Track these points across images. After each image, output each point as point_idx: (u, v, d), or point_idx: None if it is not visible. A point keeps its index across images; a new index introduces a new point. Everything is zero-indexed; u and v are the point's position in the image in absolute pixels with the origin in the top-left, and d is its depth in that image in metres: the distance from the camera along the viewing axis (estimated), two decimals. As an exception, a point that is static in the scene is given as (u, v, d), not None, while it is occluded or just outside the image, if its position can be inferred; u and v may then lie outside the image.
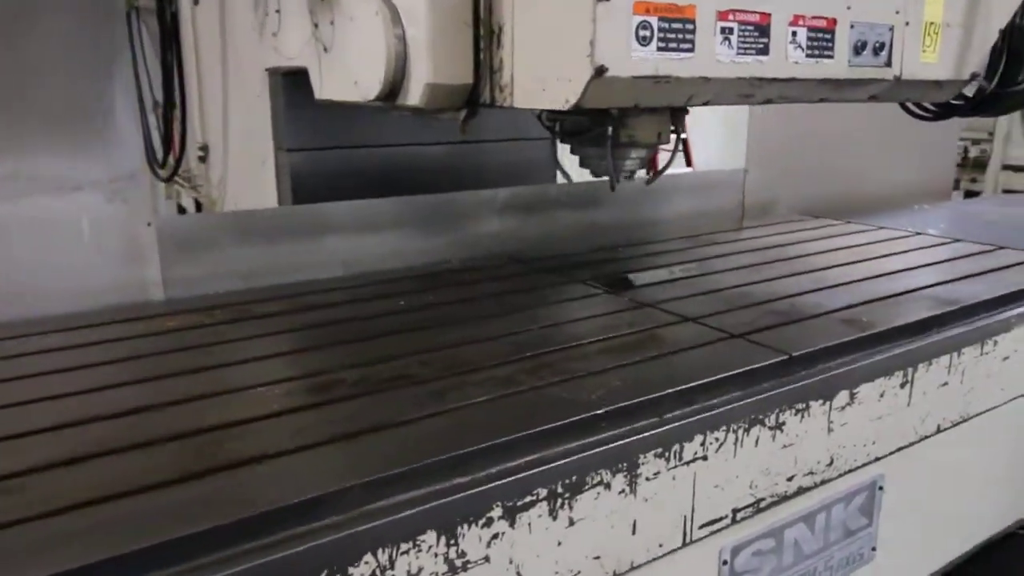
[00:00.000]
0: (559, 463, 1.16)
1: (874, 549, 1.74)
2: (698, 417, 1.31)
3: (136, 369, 1.49)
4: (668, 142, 1.80)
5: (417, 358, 1.54)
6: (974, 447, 1.90)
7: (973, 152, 7.60)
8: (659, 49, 1.29)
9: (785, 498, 1.49)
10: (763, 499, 1.45)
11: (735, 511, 1.41)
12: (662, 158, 1.93)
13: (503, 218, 2.51)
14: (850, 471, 1.60)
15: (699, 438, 1.32)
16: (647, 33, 1.27)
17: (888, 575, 1.79)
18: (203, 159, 3.35)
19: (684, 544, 1.35)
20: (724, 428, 1.35)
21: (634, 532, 1.27)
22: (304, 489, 1.04)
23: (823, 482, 1.55)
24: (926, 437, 1.74)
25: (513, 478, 1.12)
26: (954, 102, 2.17)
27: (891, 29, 1.59)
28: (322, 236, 2.17)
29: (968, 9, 1.73)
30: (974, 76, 1.82)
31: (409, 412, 1.29)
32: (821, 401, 1.49)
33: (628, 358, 1.53)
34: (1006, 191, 7.09)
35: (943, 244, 2.58)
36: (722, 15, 1.35)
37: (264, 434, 1.21)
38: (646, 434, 1.25)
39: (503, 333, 1.69)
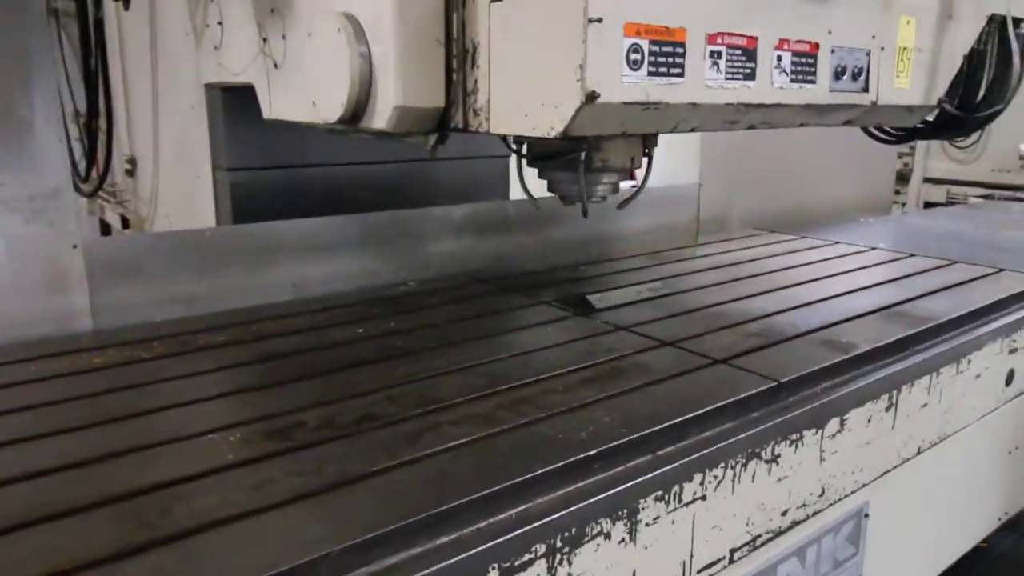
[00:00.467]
0: (558, 515, 1.05)
1: None
2: (697, 455, 1.23)
3: (63, 415, 1.31)
4: (640, 166, 1.74)
5: (384, 394, 1.41)
6: (948, 467, 1.88)
7: (897, 166, 7.90)
8: (650, 74, 1.22)
9: (779, 533, 1.42)
10: (759, 536, 1.37)
11: (732, 551, 1.33)
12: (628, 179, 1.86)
13: (459, 236, 2.39)
14: (839, 500, 1.54)
15: (698, 477, 1.23)
16: (638, 57, 1.20)
17: (871, 602, 1.75)
18: (131, 173, 3.14)
19: (683, 592, 1.26)
20: (722, 465, 1.26)
21: (633, 584, 1.17)
22: (271, 562, 0.90)
23: (815, 513, 1.49)
24: (907, 460, 1.70)
25: (509, 536, 1.00)
26: (916, 126, 2.19)
27: (868, 54, 1.58)
28: (269, 257, 2.01)
29: (936, 35, 1.73)
30: (940, 101, 1.82)
31: (382, 459, 1.16)
32: (814, 430, 1.43)
33: (611, 389, 1.43)
34: (927, 203, 7.37)
35: (899, 259, 2.59)
36: (711, 38, 1.29)
37: (218, 492, 1.06)
38: (646, 476, 1.15)
39: (473, 362, 1.58)
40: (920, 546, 1.89)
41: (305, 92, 1.52)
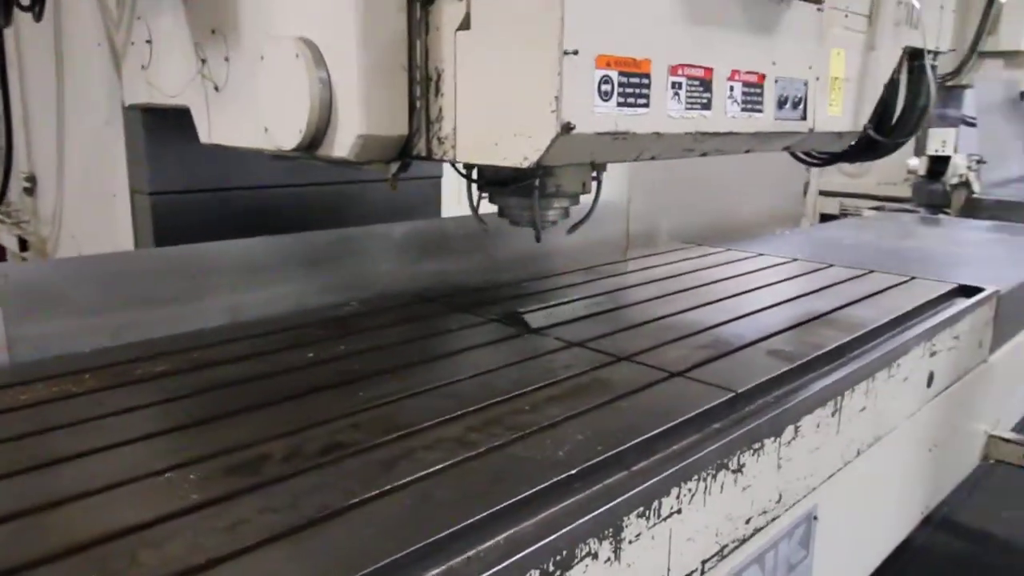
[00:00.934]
0: (549, 538, 1.03)
1: None
2: (673, 468, 1.24)
3: (-6, 459, 1.20)
4: (590, 191, 1.76)
5: (348, 420, 1.36)
6: (882, 467, 1.98)
7: (799, 180, 8.36)
8: (619, 104, 1.24)
9: (743, 541, 1.45)
10: (726, 545, 1.40)
11: (704, 562, 1.35)
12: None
13: (399, 254, 2.35)
14: (793, 505, 1.59)
15: (675, 491, 1.24)
16: (608, 88, 1.22)
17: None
18: (30, 192, 2.93)
19: (660, 606, 1.26)
20: (696, 477, 1.28)
21: (619, 602, 1.17)
22: (264, 607, 0.84)
23: (773, 519, 1.53)
24: (848, 462, 1.78)
25: (505, 563, 0.98)
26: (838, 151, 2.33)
27: (806, 84, 1.66)
28: (203, 280, 1.90)
29: (861, 65, 1.84)
30: (865, 128, 1.93)
31: (359, 490, 1.11)
32: (772, 438, 1.47)
33: (578, 406, 1.43)
34: (823, 215, 7.84)
35: (820, 270, 2.72)
36: (672, 69, 1.33)
37: (188, 535, 0.99)
38: (629, 493, 1.15)
39: (434, 384, 1.54)
40: (860, 544, 1.98)
41: (253, 117, 1.46)
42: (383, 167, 1.41)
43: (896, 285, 2.47)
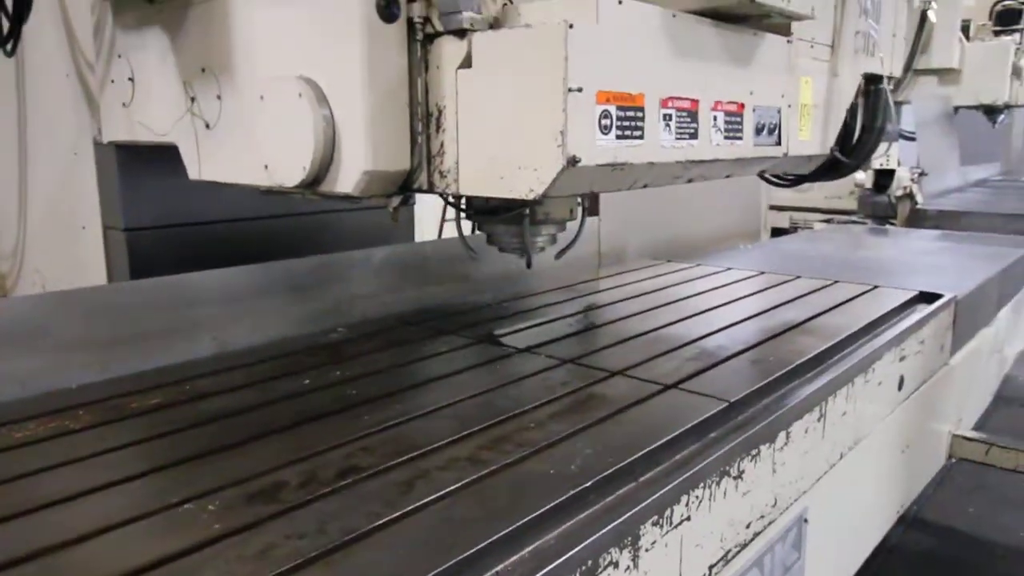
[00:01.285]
0: (575, 550, 1.06)
1: None
2: (682, 477, 1.28)
3: (6, 498, 1.17)
4: (577, 217, 1.82)
5: (356, 445, 1.37)
6: (862, 468, 2.06)
7: (749, 197, 8.62)
8: (617, 137, 1.29)
9: (744, 546, 1.50)
10: (729, 550, 1.44)
11: (711, 567, 1.39)
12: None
13: (380, 278, 2.36)
14: (787, 508, 1.65)
15: (684, 499, 1.28)
16: (608, 122, 1.27)
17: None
18: (-14, 225, 2.84)
19: (675, 611, 1.30)
20: (702, 484, 1.32)
21: (637, 609, 1.20)
22: (310, 631, 0.85)
23: (769, 523, 1.58)
24: (833, 466, 1.85)
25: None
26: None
27: (779, 111, 1.74)
28: (187, 311, 1.89)
29: (827, 92, 1.94)
30: (832, 150, 2.03)
31: (383, 512, 1.12)
32: (767, 444, 1.53)
33: (582, 421, 1.47)
34: (774, 229, 8.10)
35: (788, 281, 2.82)
36: (663, 102, 1.39)
37: (220, 564, 0.99)
38: (644, 503, 1.19)
39: (436, 406, 1.56)
40: (846, 544, 2.05)
41: (251, 154, 1.47)
42: (384, 200, 1.43)
43: (861, 294, 2.58)
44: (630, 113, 1.31)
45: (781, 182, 2.44)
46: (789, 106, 1.78)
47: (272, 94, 1.40)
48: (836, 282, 2.77)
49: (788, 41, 1.73)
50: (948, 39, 6.86)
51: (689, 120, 1.46)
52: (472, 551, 1.03)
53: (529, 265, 1.78)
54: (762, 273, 2.98)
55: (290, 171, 1.38)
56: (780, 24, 1.68)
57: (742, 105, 1.61)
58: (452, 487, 1.20)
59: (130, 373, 1.74)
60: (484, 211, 1.73)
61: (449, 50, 1.31)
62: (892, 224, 6.10)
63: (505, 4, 1.31)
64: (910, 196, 6.36)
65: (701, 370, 1.77)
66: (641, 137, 1.34)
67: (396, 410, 1.53)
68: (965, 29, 6.81)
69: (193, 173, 1.70)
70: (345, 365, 1.82)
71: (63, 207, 2.29)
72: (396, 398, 1.61)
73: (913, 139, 7.28)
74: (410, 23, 1.32)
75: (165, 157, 1.76)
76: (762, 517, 1.54)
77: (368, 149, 1.31)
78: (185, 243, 2.12)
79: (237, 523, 1.09)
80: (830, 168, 2.20)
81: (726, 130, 1.57)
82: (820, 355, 1.90)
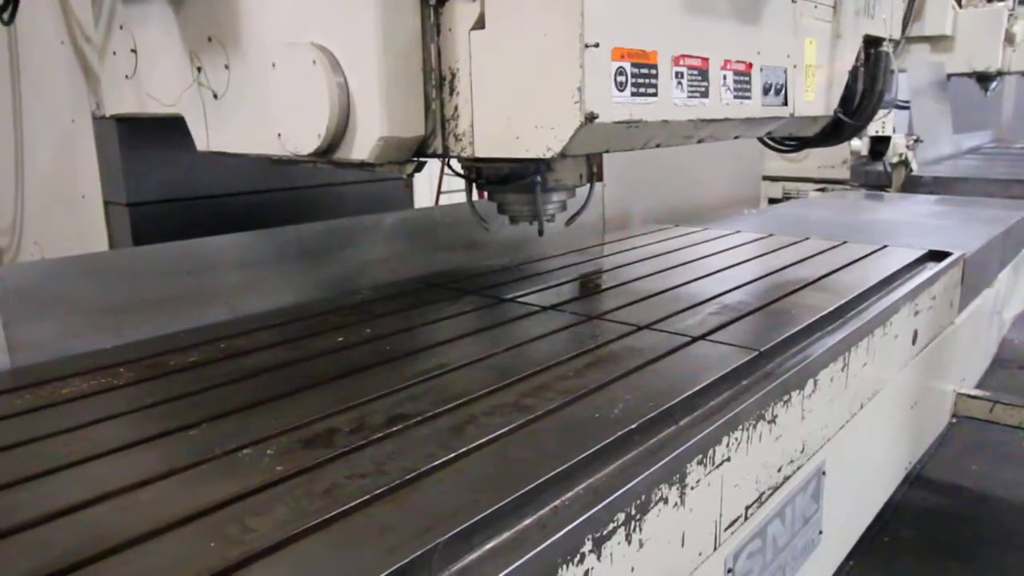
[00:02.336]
0: (631, 484, 1.10)
1: (820, 532, 1.85)
2: (723, 419, 1.31)
3: (98, 439, 1.19)
4: (587, 182, 1.83)
5: (401, 395, 1.40)
6: (876, 422, 2.11)
7: (744, 166, 8.63)
8: (632, 94, 1.30)
9: (775, 488, 1.54)
10: (764, 492, 1.49)
11: (747, 508, 1.43)
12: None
13: (390, 243, 2.36)
14: (815, 453, 1.69)
15: (725, 439, 1.32)
16: (623, 79, 1.27)
17: (827, 555, 1.92)
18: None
19: (715, 549, 1.34)
20: (741, 427, 1.36)
21: (683, 544, 1.24)
22: (383, 560, 0.88)
23: (798, 468, 1.63)
24: (854, 415, 1.90)
25: (596, 508, 1.04)
26: (804, 136, 2.45)
27: (785, 71, 1.75)
28: (200, 275, 1.88)
29: (830, 53, 1.95)
30: (835, 111, 2.05)
31: (439, 453, 1.15)
32: (798, 391, 1.57)
33: (618, 370, 1.50)
34: (771, 199, 8.15)
35: (797, 243, 2.85)
36: (675, 60, 1.39)
37: (289, 502, 1.01)
38: (690, 442, 1.22)
39: (473, 359, 1.59)
40: (858, 498, 2.11)
41: (262, 124, 1.46)
42: (398, 168, 1.42)
43: (872, 253, 2.62)
44: (644, 70, 1.31)
45: (782, 147, 2.46)
46: (795, 66, 1.78)
47: (285, 62, 1.38)
48: (845, 243, 2.81)
49: (793, 1, 1.73)
50: (941, 6, 6.86)
51: (700, 79, 1.46)
52: (531, 486, 1.06)
53: (541, 232, 1.78)
54: (771, 235, 3.01)
55: (304, 139, 1.37)
56: None
57: (750, 65, 1.61)
58: (502, 430, 1.23)
59: (146, 338, 1.74)
60: (495, 180, 1.72)
61: (462, 11, 1.30)
62: (887, 191, 6.15)
63: None
64: (905, 163, 6.40)
65: (726, 323, 1.80)
66: (655, 95, 1.34)
67: (433, 363, 1.56)
68: (958, -5, 6.83)
69: (201, 144, 1.67)
70: (375, 323, 1.85)
71: (61, 179, 2.26)
72: (431, 352, 1.64)
73: (907, 107, 7.31)
74: None
75: (167, 130, 1.73)
76: (791, 462, 1.59)
77: (384, 115, 1.30)
78: (187, 217, 2.11)
79: (298, 466, 1.11)
80: (831, 132, 2.22)
81: (735, 89, 1.57)
82: (840, 308, 1.93)
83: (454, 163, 1.72)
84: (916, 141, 6.40)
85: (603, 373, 1.48)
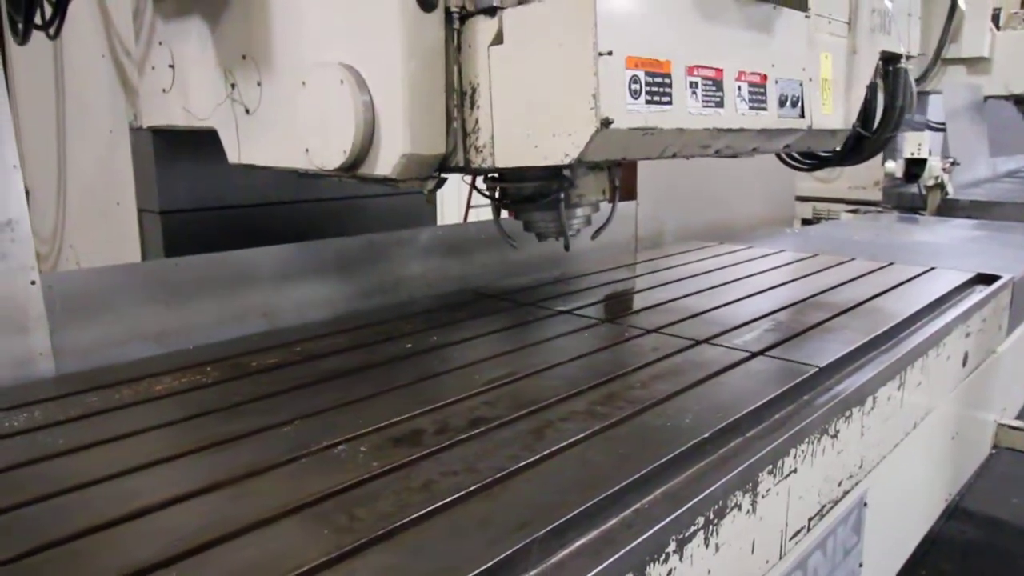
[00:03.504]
0: (709, 490, 1.14)
1: (861, 565, 1.85)
2: (791, 432, 1.35)
3: (188, 435, 1.27)
4: (609, 198, 1.86)
5: (477, 399, 1.46)
6: (915, 454, 2.10)
7: (776, 186, 8.63)
8: (647, 102, 1.33)
9: (836, 502, 1.57)
10: (825, 505, 1.52)
11: (810, 519, 1.47)
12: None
13: (426, 259, 2.39)
14: (870, 471, 1.72)
15: (793, 451, 1.36)
16: (637, 87, 1.31)
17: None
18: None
19: (780, 558, 1.38)
20: (807, 440, 1.40)
21: (752, 551, 1.28)
22: (484, 552, 0.94)
23: (856, 484, 1.66)
24: (908, 434, 1.92)
25: (675, 515, 1.08)
26: (825, 154, 2.47)
27: (801, 84, 1.77)
28: (240, 286, 1.93)
29: (847, 68, 1.98)
30: (854, 126, 2.08)
31: (522, 454, 1.21)
32: (858, 407, 1.60)
33: (682, 382, 1.55)
34: (804, 220, 8.13)
35: (845, 263, 2.88)
36: (689, 70, 1.43)
37: (390, 495, 1.08)
38: (762, 452, 1.27)
39: (539, 368, 1.64)
40: (898, 529, 2.10)
41: (291, 139, 1.52)
42: (420, 183, 1.48)
43: (920, 274, 2.64)
44: (658, 79, 1.35)
45: (802, 165, 2.48)
46: (811, 79, 1.80)
47: (314, 80, 1.44)
48: (892, 264, 2.83)
49: (806, 16, 1.76)
50: (979, 28, 6.83)
51: (715, 89, 1.49)
52: (615, 488, 1.11)
53: (567, 248, 1.81)
54: (816, 255, 3.04)
55: (331, 155, 1.42)
56: None
57: (765, 76, 1.63)
58: (580, 435, 1.28)
59: (190, 347, 1.80)
60: (519, 199, 1.76)
61: (481, 28, 1.36)
62: (922, 214, 6.12)
63: None
64: (940, 186, 6.37)
65: (782, 340, 1.84)
66: (670, 103, 1.37)
67: (502, 371, 1.61)
68: (995, 18, 6.79)
69: (233, 157, 1.73)
70: (440, 332, 1.91)
71: (98, 187, 2.35)
72: (500, 361, 1.70)
73: (943, 130, 7.28)
74: (447, 12, 1.36)
75: (199, 142, 1.80)
76: (851, 476, 1.62)
77: (407, 133, 1.36)
78: (217, 225, 2.18)
79: (392, 462, 1.17)
80: (852, 150, 2.25)
81: (750, 100, 1.59)
82: (894, 328, 1.96)
83: (480, 183, 1.78)
84: (952, 164, 6.37)
85: (668, 385, 1.53)
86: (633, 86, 1.30)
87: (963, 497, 3.33)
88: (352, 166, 1.42)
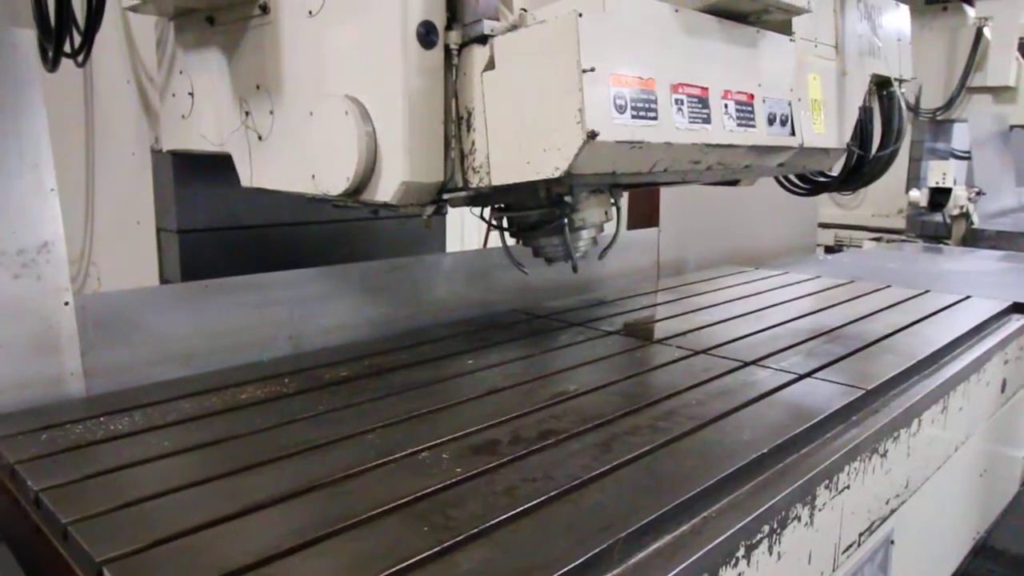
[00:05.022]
0: (774, 500, 1.22)
1: None
2: (845, 449, 1.43)
3: (267, 443, 1.36)
4: (612, 219, 1.92)
5: (544, 413, 1.54)
6: (947, 486, 2.13)
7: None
8: (632, 117, 1.39)
9: (883, 519, 1.64)
10: (874, 522, 1.58)
11: (860, 535, 1.53)
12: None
13: (450, 283, 2.43)
14: (917, 489, 1.78)
15: (847, 467, 1.43)
16: (622, 102, 1.37)
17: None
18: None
19: (833, 571, 1.44)
20: (859, 458, 1.47)
21: (809, 562, 1.35)
22: (570, 551, 1.02)
23: (902, 503, 1.72)
24: (950, 456, 1.98)
25: (743, 523, 1.16)
26: (824, 179, 2.52)
27: (789, 104, 1.81)
28: (266, 308, 1.97)
29: (837, 89, 2.02)
30: (848, 146, 2.12)
31: (593, 464, 1.29)
32: (905, 429, 1.67)
33: (736, 401, 1.62)
34: (827, 248, 8.13)
35: (881, 289, 2.95)
36: (674, 88, 1.48)
37: (478, 499, 1.16)
38: (819, 468, 1.34)
39: (599, 384, 1.73)
40: (926, 568, 2.13)
41: (299, 165, 1.59)
42: (418, 209, 1.54)
43: (956, 302, 2.70)
44: (643, 96, 1.41)
45: (798, 189, 2.54)
46: (799, 100, 1.84)
47: (321, 111, 1.52)
48: (927, 291, 2.89)
49: (791, 39, 1.81)
50: (1004, 57, 6.88)
51: (701, 106, 1.54)
52: (686, 497, 1.19)
53: (575, 269, 1.86)
54: (852, 281, 3.11)
55: (335, 181, 1.49)
56: (781, 22, 1.75)
57: (752, 95, 1.68)
58: (646, 448, 1.36)
59: (226, 367, 1.85)
60: (525, 227, 1.82)
61: (474, 56, 1.42)
62: (946, 244, 6.12)
63: (522, 11, 1.43)
64: (965, 216, 6.38)
65: (828, 363, 1.91)
66: (656, 118, 1.41)
67: (563, 387, 1.70)
68: (1022, 47, 6.84)
69: (245, 181, 1.79)
70: (497, 350, 2.00)
71: (120, 207, 2.43)
72: (561, 377, 1.79)
73: (967, 158, 7.30)
74: (447, 49, 1.44)
75: (216, 165, 1.88)
76: (897, 496, 1.68)
77: (406, 162, 1.41)
78: (231, 244, 2.25)
79: (474, 468, 1.26)
80: (851, 174, 2.31)
81: (738, 117, 1.64)
82: (936, 353, 2.03)
83: (488, 215, 1.86)
84: (978, 193, 6.38)
85: (723, 403, 1.61)
86: (618, 101, 1.35)
87: (991, 535, 3.31)
88: (355, 192, 1.49)
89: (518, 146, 1.38)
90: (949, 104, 7.32)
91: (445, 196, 1.52)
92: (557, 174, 1.33)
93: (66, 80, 2.48)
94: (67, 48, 1.94)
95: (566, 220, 1.75)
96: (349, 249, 2.44)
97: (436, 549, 1.01)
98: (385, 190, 1.45)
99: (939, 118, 7.28)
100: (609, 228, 1.95)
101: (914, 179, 7.39)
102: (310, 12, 1.50)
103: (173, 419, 1.48)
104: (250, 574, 0.95)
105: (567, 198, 1.68)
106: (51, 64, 1.95)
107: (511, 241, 1.92)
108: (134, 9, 1.84)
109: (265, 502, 1.13)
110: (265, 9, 1.60)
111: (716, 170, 1.71)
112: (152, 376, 1.74)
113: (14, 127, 1.56)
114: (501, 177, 1.42)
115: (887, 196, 7.90)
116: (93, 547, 0.99)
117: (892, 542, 1.85)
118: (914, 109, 7.33)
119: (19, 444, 1.34)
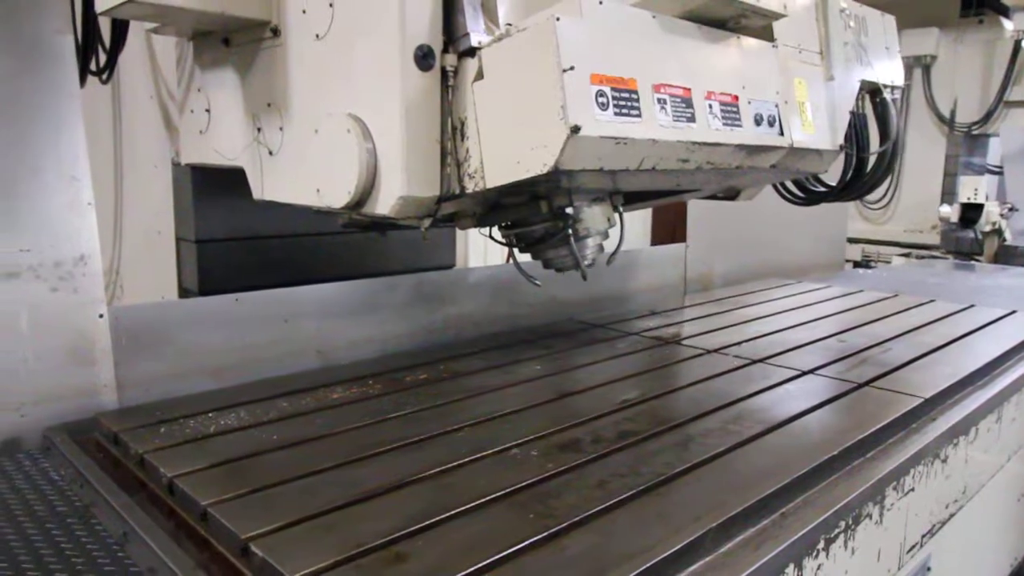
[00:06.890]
0: (848, 499, 1.29)
1: None
2: (911, 453, 1.50)
3: (377, 436, 1.46)
4: (616, 224, 1.93)
5: (618, 416, 1.63)
6: (984, 512, 2.12)
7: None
8: (615, 114, 1.42)
9: (943, 523, 1.70)
10: (935, 524, 1.65)
11: (923, 536, 1.59)
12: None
13: (475, 297, 2.47)
14: (974, 495, 1.83)
15: (912, 471, 1.50)
16: (604, 100, 1.41)
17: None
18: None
19: (899, 569, 1.51)
20: (923, 463, 1.54)
21: (878, 559, 1.42)
22: (669, 537, 1.10)
23: (960, 508, 1.78)
24: (1002, 467, 2.03)
25: (821, 519, 1.23)
26: (822, 189, 2.54)
27: (776, 105, 1.82)
28: (294, 323, 2.01)
29: (825, 93, 2.02)
30: (841, 147, 2.11)
31: (674, 462, 1.37)
32: (964, 436, 1.73)
33: (800, 407, 1.69)
34: (855, 263, 8.07)
35: (926, 303, 3.00)
36: (656, 87, 1.52)
37: (573, 492, 1.25)
38: (887, 470, 1.41)
39: (667, 389, 1.81)
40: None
41: (306, 179, 1.66)
42: (416, 222, 1.61)
43: (1003, 317, 2.74)
44: (625, 94, 1.42)
45: (795, 198, 2.59)
46: (786, 102, 1.82)
47: (325, 128, 1.58)
48: (972, 306, 2.94)
49: (773, 46, 1.83)
50: (1045, 70, 6.83)
51: (684, 105, 1.57)
52: (766, 493, 1.27)
53: (584, 277, 1.87)
54: (896, 295, 3.16)
55: (337, 195, 1.55)
56: (761, 29, 1.78)
57: (736, 96, 1.67)
58: (722, 448, 1.44)
59: (275, 377, 1.91)
60: (532, 241, 1.85)
61: (466, 69, 1.47)
62: (977, 260, 6.09)
63: (508, 26, 1.49)
64: (998, 232, 6.34)
65: (885, 372, 1.98)
66: (639, 116, 1.44)
67: (633, 393, 1.78)
68: (1062, 59, 6.80)
69: (256, 193, 1.85)
70: (563, 356, 2.10)
71: (142, 218, 2.54)
72: (627, 383, 1.87)
73: (1000, 173, 7.26)
74: (443, 71, 1.48)
75: (232, 179, 1.94)
76: (955, 501, 1.74)
77: (403, 177, 1.47)
78: (247, 253, 2.33)
79: (564, 464, 1.35)
80: (851, 182, 2.34)
81: (723, 116, 1.65)
82: (988, 365, 2.08)
83: (496, 233, 1.91)
84: (1010, 209, 6.35)
85: (787, 408, 1.68)
86: (600, 99, 1.39)
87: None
88: (356, 205, 1.56)
89: (508, 150, 1.43)
90: (987, 118, 7.30)
91: (448, 210, 1.58)
92: (545, 170, 1.37)
93: (95, 95, 2.52)
94: (92, 66, 2.03)
95: (571, 230, 1.78)
96: (360, 259, 2.49)
97: (544, 534, 1.10)
98: (384, 203, 1.52)
99: (975, 132, 7.26)
100: (615, 236, 1.92)
101: (948, 194, 7.36)
102: (317, 35, 1.59)
103: (275, 416, 1.58)
104: (383, 551, 1.04)
105: (569, 209, 1.73)
106: (80, 82, 2.03)
107: (525, 257, 1.95)
108: (156, 31, 1.93)
109: (378, 490, 1.23)
110: (276, 32, 1.69)
111: (708, 172, 1.72)
112: (181, 390, 1.77)
113: (54, 139, 1.60)
114: (495, 179, 1.47)
115: (920, 211, 7.89)
116: (236, 525, 1.09)
117: (929, 568, 1.85)
118: (949, 123, 7.34)
119: (142, 436, 1.45)
